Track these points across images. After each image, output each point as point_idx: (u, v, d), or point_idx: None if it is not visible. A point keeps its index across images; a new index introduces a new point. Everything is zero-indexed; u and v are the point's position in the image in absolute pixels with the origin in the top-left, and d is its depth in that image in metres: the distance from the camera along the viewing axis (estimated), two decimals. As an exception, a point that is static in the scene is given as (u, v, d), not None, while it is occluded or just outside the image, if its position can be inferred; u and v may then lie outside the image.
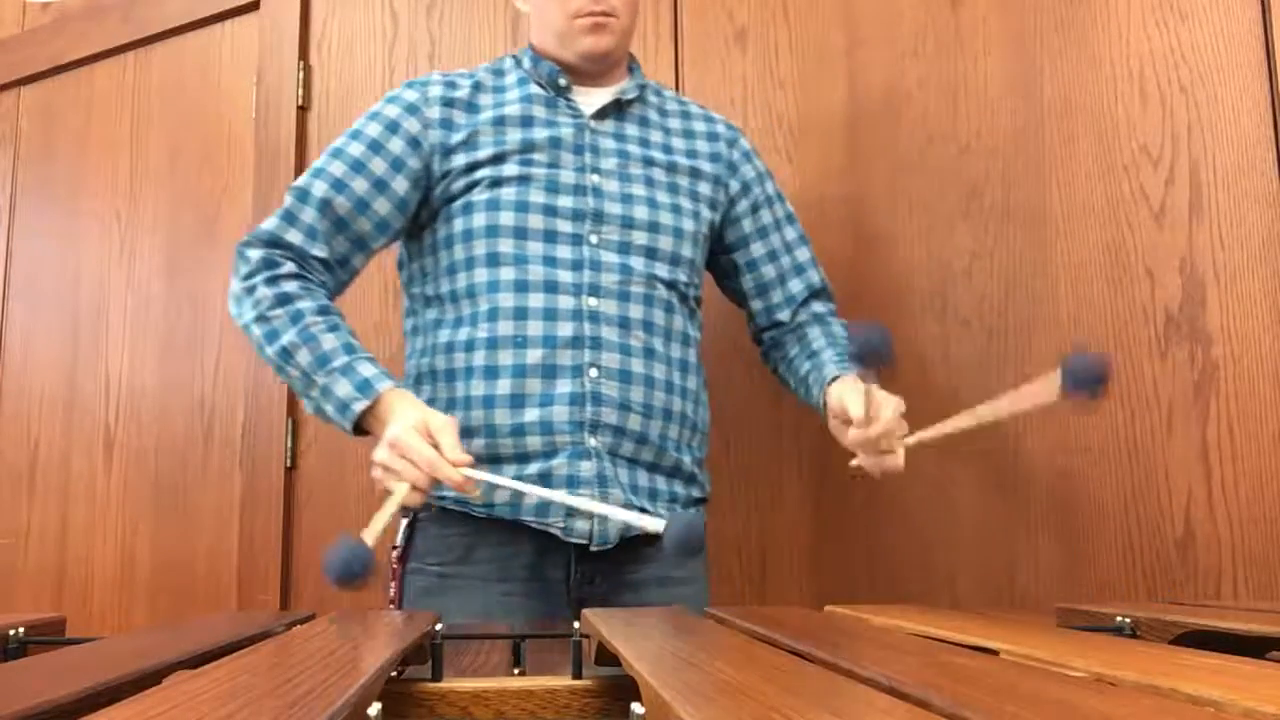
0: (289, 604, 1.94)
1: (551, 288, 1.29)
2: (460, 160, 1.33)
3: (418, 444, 1.13)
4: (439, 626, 0.76)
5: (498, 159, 1.33)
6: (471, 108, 1.36)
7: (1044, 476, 1.54)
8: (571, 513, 1.26)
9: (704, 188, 1.42)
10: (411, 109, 1.35)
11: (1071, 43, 1.59)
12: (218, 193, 2.16)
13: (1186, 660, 0.60)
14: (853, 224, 1.69)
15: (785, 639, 0.67)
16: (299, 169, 2.04)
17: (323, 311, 1.27)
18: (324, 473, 1.95)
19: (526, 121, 1.36)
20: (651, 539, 1.19)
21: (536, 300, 1.29)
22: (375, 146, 1.33)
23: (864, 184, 1.69)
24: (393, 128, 1.34)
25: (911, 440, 1.24)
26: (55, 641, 0.90)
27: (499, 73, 1.42)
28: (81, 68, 2.38)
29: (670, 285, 1.36)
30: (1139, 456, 1.48)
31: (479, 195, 1.32)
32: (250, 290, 1.28)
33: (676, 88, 1.81)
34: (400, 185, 1.33)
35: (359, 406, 1.20)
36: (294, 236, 1.31)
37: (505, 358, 1.28)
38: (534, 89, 1.39)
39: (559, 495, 1.20)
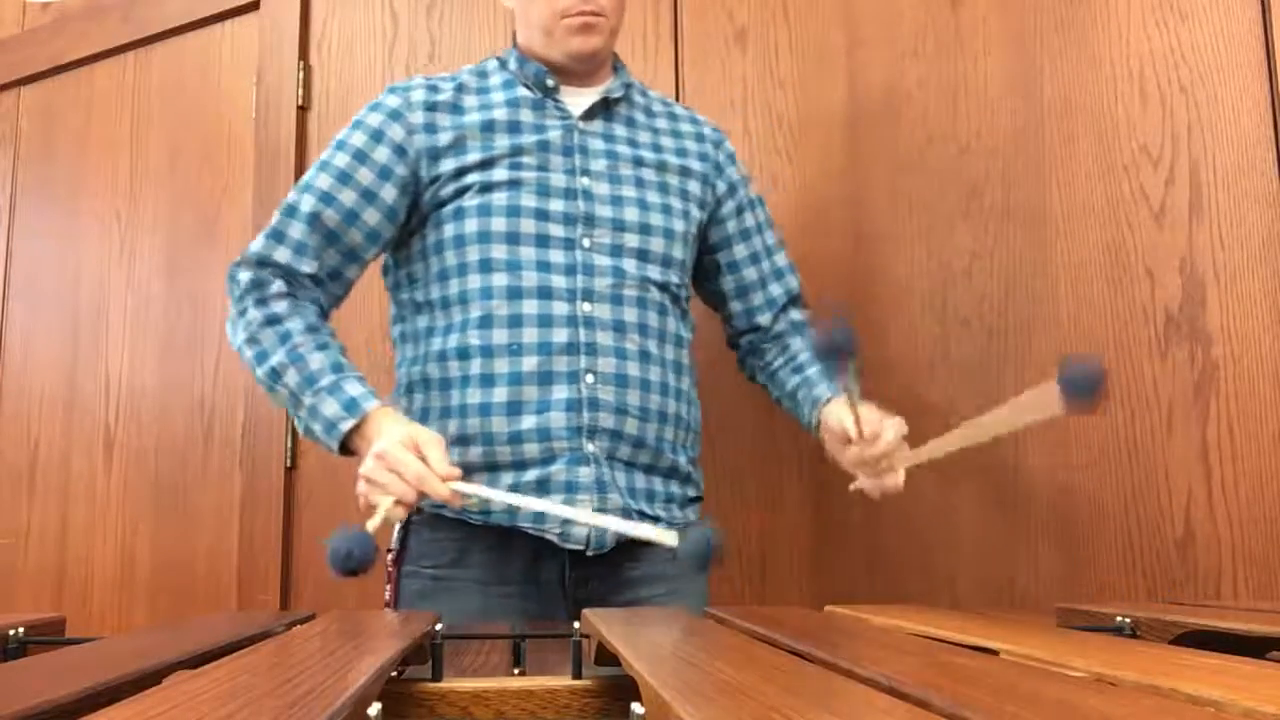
0: (289, 604, 1.94)
1: (545, 294, 1.29)
2: (449, 165, 1.32)
3: (405, 457, 1.13)
4: (439, 626, 0.76)
5: (487, 163, 1.32)
6: (456, 109, 1.35)
7: (1044, 477, 1.53)
8: (569, 519, 1.26)
9: (693, 187, 1.42)
10: (395, 115, 1.34)
11: (1071, 43, 1.59)
12: (218, 193, 2.16)
13: (1186, 660, 0.60)
14: (853, 224, 1.69)
15: (785, 639, 0.67)
16: (299, 169, 2.04)
17: (311, 330, 1.27)
18: (324, 473, 1.95)
19: (514, 124, 1.35)
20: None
21: (531, 307, 1.29)
22: (361, 156, 1.32)
23: (864, 184, 1.69)
24: (377, 136, 1.33)
25: (911, 460, 1.24)
26: (55, 641, 0.90)
27: (483, 74, 1.41)
28: (81, 68, 2.38)
29: (663, 287, 1.36)
30: (1139, 456, 1.48)
31: (469, 200, 1.31)
32: (241, 313, 1.29)
33: (676, 88, 1.81)
34: (389, 194, 1.32)
35: (345, 426, 1.20)
36: (281, 255, 1.30)
37: (501, 365, 1.28)
38: (521, 91, 1.38)
39: (572, 511, 1.21)
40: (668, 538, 1.10)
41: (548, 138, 1.35)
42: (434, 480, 1.12)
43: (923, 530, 1.58)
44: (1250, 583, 1.41)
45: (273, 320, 1.27)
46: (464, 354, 1.29)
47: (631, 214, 1.35)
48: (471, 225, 1.30)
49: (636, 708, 0.50)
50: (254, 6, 2.15)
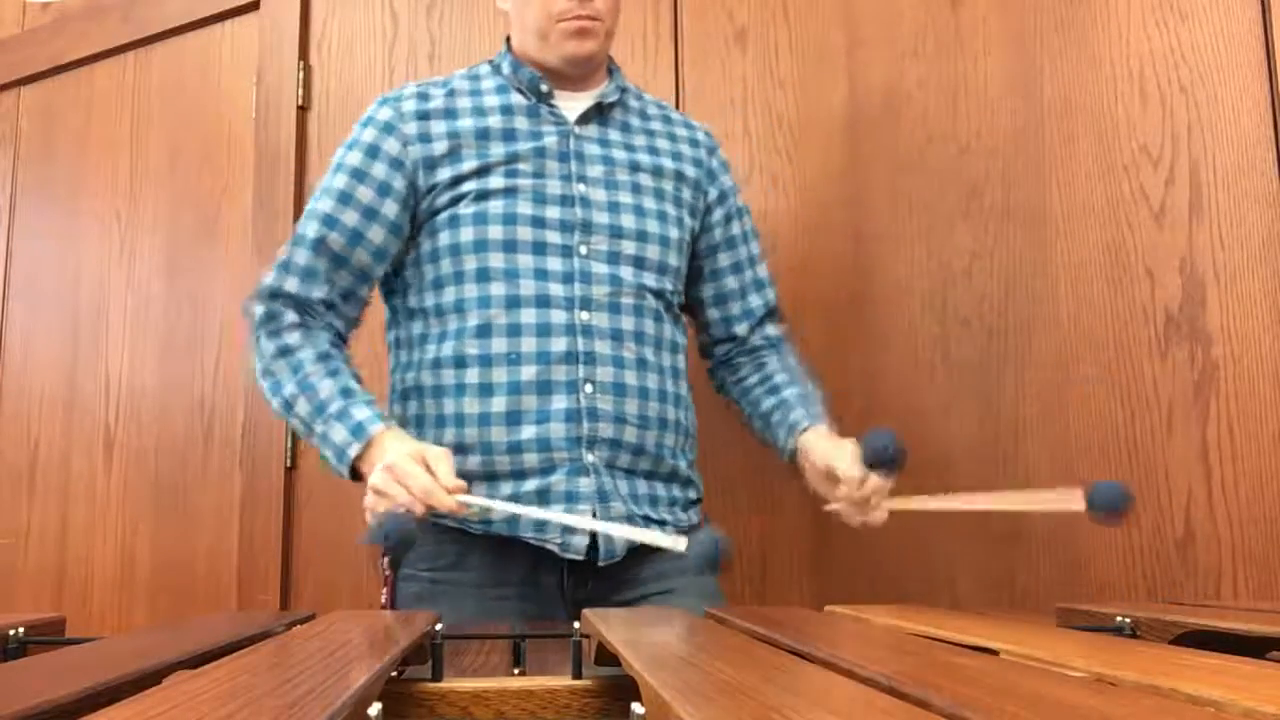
0: (289, 604, 1.94)
1: (544, 302, 1.29)
2: (445, 174, 1.31)
3: (413, 470, 1.13)
4: (439, 626, 0.76)
5: (483, 171, 1.31)
6: (450, 115, 1.34)
7: (1044, 477, 1.53)
8: (569, 529, 1.26)
9: (686, 194, 1.42)
10: (388, 128, 1.33)
11: (1071, 43, 1.59)
12: (218, 193, 2.16)
13: (1186, 660, 0.60)
14: (853, 224, 1.69)
15: (785, 639, 0.67)
16: (299, 169, 2.04)
17: (322, 358, 1.27)
18: (324, 473, 1.95)
19: (510, 131, 1.34)
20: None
21: (529, 316, 1.28)
22: (359, 175, 1.32)
23: (864, 184, 1.69)
24: (373, 152, 1.33)
25: (899, 506, 1.25)
26: (55, 641, 0.90)
27: (475, 78, 1.40)
28: (81, 68, 2.38)
29: (658, 294, 1.35)
30: (1139, 456, 1.48)
31: (465, 209, 1.30)
32: (256, 346, 1.30)
33: (676, 88, 1.81)
34: (390, 209, 1.32)
35: (353, 451, 1.20)
36: (291, 285, 1.30)
37: (499, 374, 1.27)
38: (515, 97, 1.37)
39: (582, 520, 1.21)
40: (677, 543, 1.11)
41: (544, 144, 1.34)
42: (440, 493, 1.12)
43: (922, 529, 1.58)
44: (1250, 583, 1.41)
45: (285, 351, 1.28)
46: (460, 362, 1.29)
47: (628, 220, 1.35)
48: (468, 233, 1.30)
49: (636, 708, 0.50)
50: (254, 6, 2.15)
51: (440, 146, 1.32)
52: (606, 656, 0.68)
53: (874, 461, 1.20)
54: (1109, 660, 0.59)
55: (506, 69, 1.39)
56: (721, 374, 1.50)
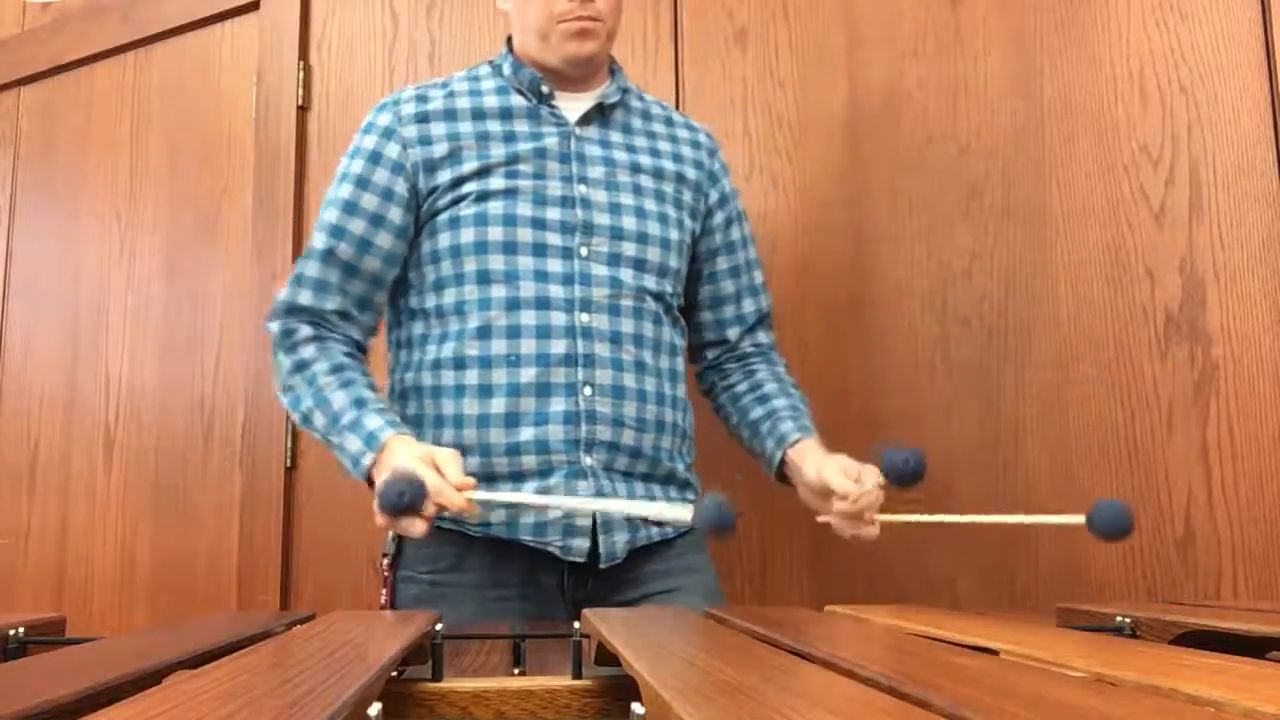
0: (289, 604, 1.94)
1: (544, 304, 1.29)
2: (445, 176, 1.31)
3: (422, 471, 1.13)
4: (439, 626, 0.76)
5: (483, 172, 1.31)
6: (449, 117, 1.34)
7: (1044, 477, 1.54)
8: (569, 532, 1.26)
9: (687, 195, 1.42)
10: (388, 133, 1.33)
11: (1071, 43, 1.59)
12: (218, 193, 2.16)
13: (1186, 660, 0.60)
14: (853, 224, 1.69)
15: (785, 639, 0.67)
16: (299, 169, 2.04)
17: (336, 370, 1.28)
18: (324, 473, 1.95)
19: (510, 132, 1.34)
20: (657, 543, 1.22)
21: (529, 318, 1.28)
22: (362, 183, 1.32)
23: (864, 184, 1.69)
24: (374, 158, 1.33)
25: (894, 520, 1.24)
26: (55, 641, 0.90)
27: (475, 79, 1.39)
28: (81, 68, 2.38)
29: (658, 297, 1.35)
30: (1139, 456, 1.48)
31: (465, 210, 1.30)
32: (276, 362, 1.32)
33: (676, 88, 1.81)
34: (395, 214, 1.32)
35: (367, 460, 1.20)
36: (305, 298, 1.31)
37: (499, 376, 1.27)
38: (515, 98, 1.37)
39: (579, 503, 1.22)
40: (682, 512, 1.11)
41: (544, 145, 1.34)
42: (450, 491, 1.12)
43: (922, 531, 1.57)
44: (1250, 583, 1.41)
45: (301, 366, 1.29)
46: (460, 364, 1.29)
47: (629, 222, 1.34)
48: (468, 235, 1.30)
49: (636, 708, 0.50)
50: (254, 6, 2.15)
51: (440, 149, 1.32)
52: (606, 656, 0.68)
53: (894, 477, 1.20)
54: (1109, 660, 0.59)
55: (507, 70, 1.39)
56: (710, 378, 1.50)
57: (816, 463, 1.28)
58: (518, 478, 1.27)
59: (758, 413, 1.41)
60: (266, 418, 2.00)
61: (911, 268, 1.64)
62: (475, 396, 1.28)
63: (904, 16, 1.69)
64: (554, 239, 1.31)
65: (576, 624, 0.78)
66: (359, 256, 1.32)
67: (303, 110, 2.08)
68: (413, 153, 1.32)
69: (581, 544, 1.27)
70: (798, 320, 1.68)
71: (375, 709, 0.48)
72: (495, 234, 1.29)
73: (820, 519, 1.27)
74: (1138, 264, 1.51)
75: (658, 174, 1.39)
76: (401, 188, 1.32)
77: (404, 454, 1.16)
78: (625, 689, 0.68)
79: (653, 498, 1.33)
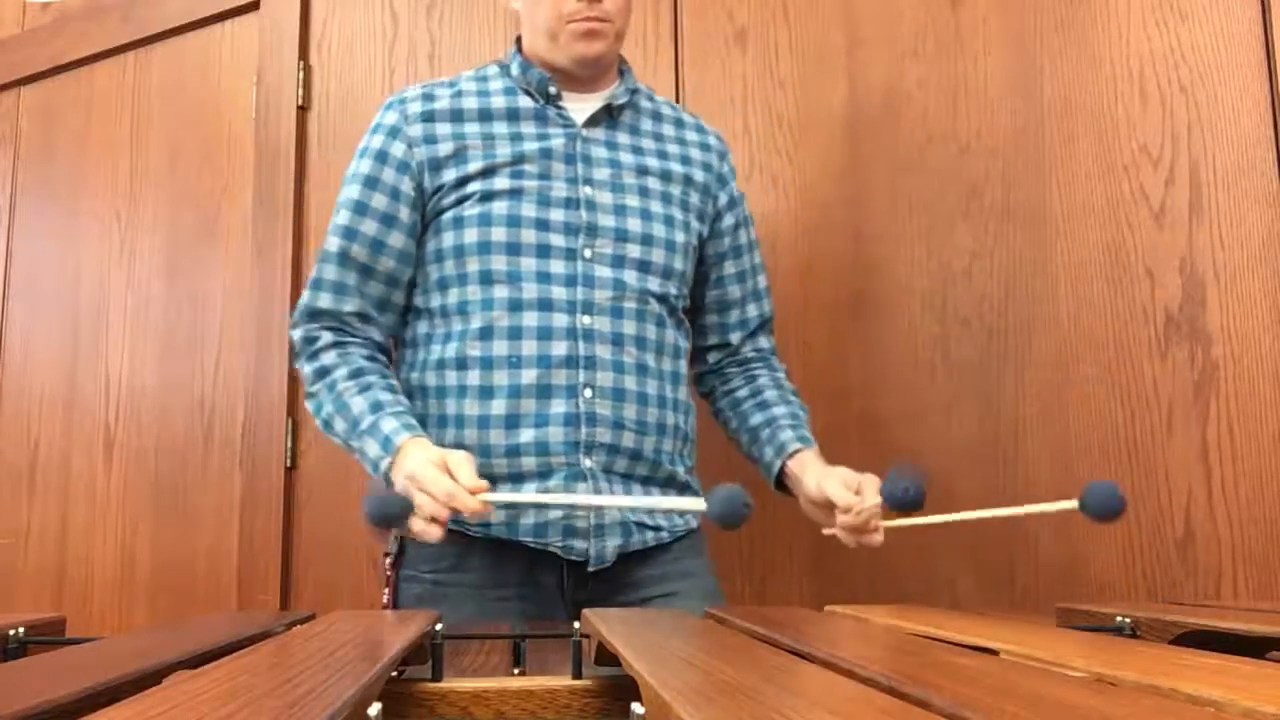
0: (289, 604, 1.94)
1: (546, 305, 1.29)
2: (450, 175, 1.31)
3: (435, 476, 1.13)
4: (439, 626, 0.76)
5: (488, 172, 1.31)
6: (455, 117, 1.34)
7: (1044, 477, 1.54)
8: (569, 533, 1.26)
9: (695, 198, 1.41)
10: (394, 132, 1.33)
11: (1071, 43, 1.59)
12: (218, 193, 2.16)
13: (1186, 660, 0.60)
14: (853, 224, 1.69)
15: (785, 639, 0.67)
16: (299, 169, 2.04)
17: (355, 375, 1.28)
18: (324, 473, 1.95)
19: (516, 133, 1.34)
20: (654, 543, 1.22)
21: (531, 319, 1.28)
22: (371, 183, 1.32)
23: (864, 184, 1.69)
24: (382, 158, 1.33)
25: (894, 523, 1.24)
26: (55, 641, 0.90)
27: (483, 79, 1.39)
28: (81, 68, 2.38)
29: (662, 299, 1.35)
30: (1139, 456, 1.48)
31: (470, 210, 1.30)
32: (300, 371, 1.33)
33: (676, 88, 1.81)
34: (405, 214, 1.32)
35: (385, 464, 1.20)
36: (324, 301, 1.32)
37: (500, 378, 1.27)
38: (522, 98, 1.36)
39: (586, 498, 1.22)
40: (696, 504, 1.11)
41: (550, 146, 1.34)
42: (463, 495, 1.12)
43: (922, 530, 1.57)
44: (1250, 583, 1.41)
45: (322, 373, 1.30)
46: (462, 364, 1.29)
47: (634, 224, 1.34)
48: (471, 235, 1.30)
49: (636, 708, 0.50)
50: (254, 6, 2.15)
51: (446, 148, 1.32)
52: (606, 656, 0.68)
53: (893, 504, 1.20)
54: (1109, 660, 0.59)
55: (515, 70, 1.39)
56: (711, 381, 1.50)
57: (816, 475, 1.28)
58: (517, 479, 1.27)
59: (757, 419, 1.41)
60: (266, 418, 2.00)
61: (911, 267, 1.64)
62: (476, 397, 1.28)
63: (904, 16, 1.69)
64: (558, 240, 1.30)
65: (576, 624, 0.78)
66: (373, 257, 1.32)
67: (303, 110, 2.08)
68: (418, 151, 1.32)
69: (582, 545, 1.27)
70: (798, 320, 1.69)
71: (375, 709, 0.48)
72: (499, 234, 1.29)
73: (825, 531, 1.27)
74: (1138, 264, 1.51)
75: (665, 176, 1.39)
76: (408, 186, 1.32)
77: (418, 457, 1.16)
78: (625, 689, 0.68)
79: None
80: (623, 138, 1.39)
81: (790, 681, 0.51)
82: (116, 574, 2.14)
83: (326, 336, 1.31)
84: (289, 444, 1.97)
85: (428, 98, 1.36)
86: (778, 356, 1.50)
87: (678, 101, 1.78)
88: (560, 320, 1.28)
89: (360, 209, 1.32)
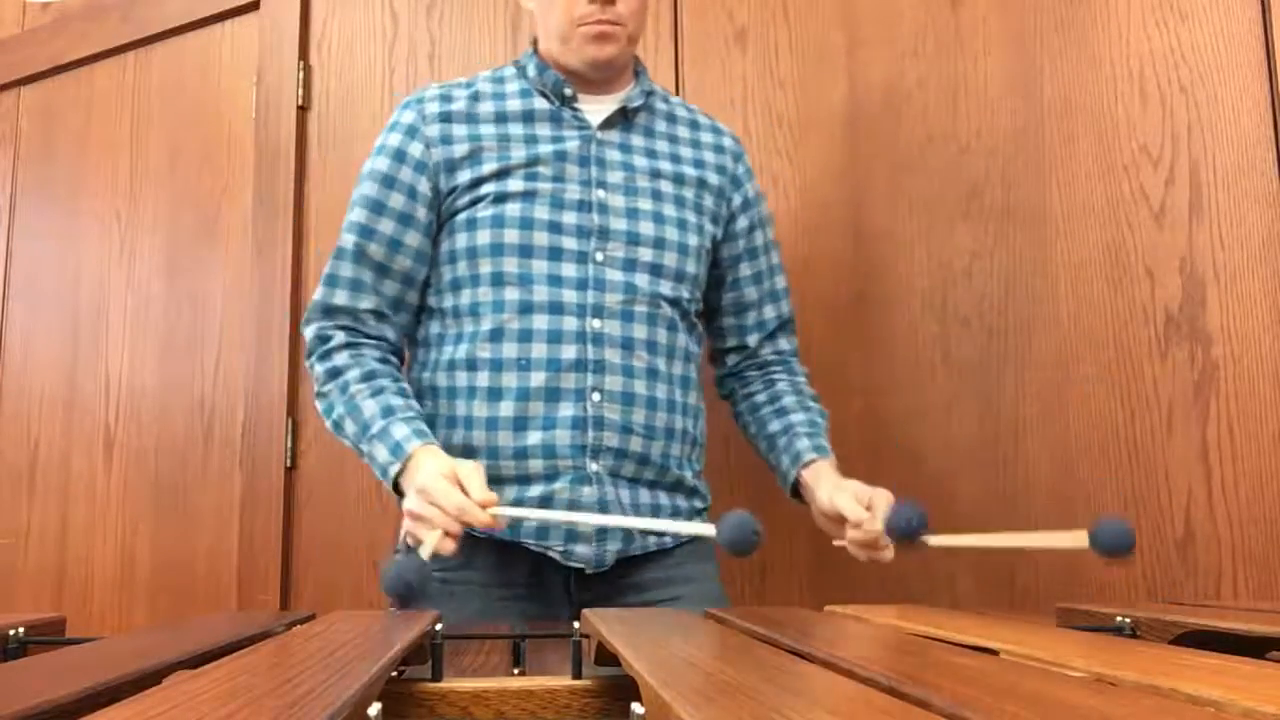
0: (289, 604, 1.94)
1: (556, 309, 1.28)
2: (465, 176, 1.31)
3: (446, 489, 1.13)
4: (439, 626, 0.76)
5: (502, 174, 1.31)
6: (471, 119, 1.34)
7: (1044, 476, 1.54)
8: (571, 537, 1.26)
9: (709, 200, 1.41)
10: (411, 131, 1.34)
11: (1071, 43, 1.59)
12: (218, 193, 2.16)
13: (1186, 660, 0.60)
14: (853, 223, 1.69)
15: (785, 639, 0.67)
16: (299, 169, 2.04)
17: (368, 378, 1.28)
18: (324, 473, 1.95)
19: (531, 135, 1.34)
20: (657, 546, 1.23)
21: (541, 322, 1.28)
22: (389, 181, 1.32)
23: (864, 183, 1.69)
24: (399, 156, 1.33)
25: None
26: (55, 641, 0.90)
27: (500, 81, 1.39)
28: (81, 68, 2.38)
29: (674, 303, 1.35)
30: (1139, 456, 1.48)
31: (483, 211, 1.30)
32: (311, 370, 1.33)
33: (676, 88, 1.81)
34: (421, 213, 1.32)
35: (394, 470, 1.20)
36: (340, 298, 1.31)
37: (509, 380, 1.28)
38: (538, 100, 1.37)
39: (596, 518, 1.22)
40: (704, 530, 1.11)
41: (565, 148, 1.34)
42: (474, 509, 1.12)
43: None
44: (1250, 583, 1.41)
45: (334, 373, 1.30)
46: (472, 365, 1.29)
47: (646, 228, 1.34)
48: (484, 237, 1.30)
49: (636, 708, 0.50)
50: (254, 6, 2.15)
51: (461, 149, 1.32)
52: (606, 656, 0.68)
53: (895, 538, 1.20)
54: (1109, 660, 0.59)
55: (532, 71, 1.38)
56: (731, 385, 1.50)
57: (829, 489, 1.28)
58: (524, 481, 1.27)
59: (775, 426, 1.41)
60: (266, 418, 2.00)
61: (911, 267, 1.64)
62: (485, 399, 1.28)
63: (904, 16, 1.69)
64: (570, 243, 1.30)
65: (576, 624, 0.78)
66: (390, 256, 1.32)
67: (303, 110, 2.08)
68: (435, 152, 1.32)
69: (584, 550, 1.27)
70: (799, 320, 1.68)
71: (375, 709, 0.48)
72: (511, 237, 1.30)
73: (836, 543, 1.28)
74: (1138, 264, 1.51)
75: (678, 180, 1.38)
76: (425, 186, 1.32)
77: (429, 469, 1.16)
78: (625, 689, 0.68)
79: (659, 504, 1.33)
80: (637, 140, 1.38)
81: (790, 681, 0.51)
82: (116, 574, 2.14)
83: (340, 336, 1.31)
84: (289, 444, 1.97)
85: (445, 98, 1.36)
86: (799, 359, 1.50)
87: (678, 101, 1.78)
88: (570, 324, 1.28)
89: (377, 208, 1.32)
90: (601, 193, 1.33)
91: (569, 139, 1.35)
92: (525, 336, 1.28)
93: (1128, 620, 0.88)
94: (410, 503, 1.16)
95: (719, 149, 1.45)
